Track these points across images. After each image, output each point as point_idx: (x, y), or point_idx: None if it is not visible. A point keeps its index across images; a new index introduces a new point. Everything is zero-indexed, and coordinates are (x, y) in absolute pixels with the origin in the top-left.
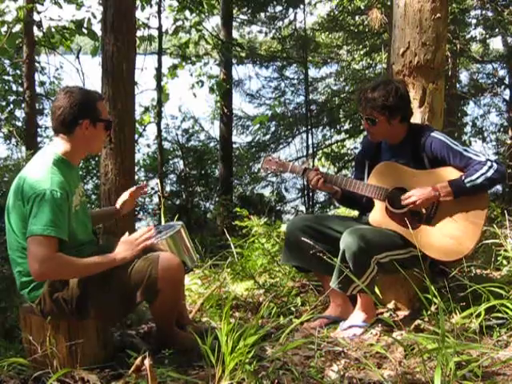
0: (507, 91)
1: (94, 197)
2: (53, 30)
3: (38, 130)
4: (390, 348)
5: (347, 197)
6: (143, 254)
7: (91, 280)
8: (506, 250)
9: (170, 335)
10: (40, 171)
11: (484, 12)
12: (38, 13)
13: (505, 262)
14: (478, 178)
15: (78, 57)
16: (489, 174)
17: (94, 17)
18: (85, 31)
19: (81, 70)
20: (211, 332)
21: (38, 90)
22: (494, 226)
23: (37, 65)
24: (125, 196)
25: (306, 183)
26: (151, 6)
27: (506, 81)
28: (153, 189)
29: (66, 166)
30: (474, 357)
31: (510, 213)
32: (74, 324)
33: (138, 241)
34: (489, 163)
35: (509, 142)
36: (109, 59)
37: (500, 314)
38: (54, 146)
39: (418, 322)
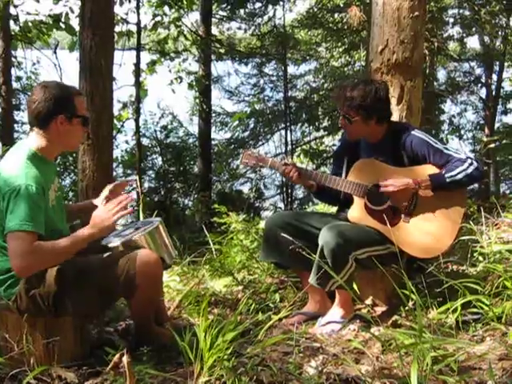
0: (484, 89)
1: (71, 193)
2: (30, 24)
3: (15, 125)
4: (368, 343)
5: (323, 192)
6: (122, 252)
7: (68, 276)
8: (481, 247)
9: (148, 332)
10: (14, 166)
11: (461, 11)
12: (15, 6)
13: (481, 258)
14: (458, 173)
15: (55, 51)
16: (469, 170)
17: (72, 11)
18: (62, 26)
19: (58, 65)
20: (190, 329)
21: (15, 85)
22: (471, 222)
23: (13, 59)
24: (105, 192)
25: (284, 180)
26: (130, 1)
27: (483, 79)
28: (131, 185)
29: (40, 162)
30: (450, 352)
31: (485, 209)
32: (51, 321)
33: (115, 210)
34: (469, 160)
35: (485, 139)
36: (87, 54)
37: (476, 310)
38: (29, 141)
39: (395, 317)
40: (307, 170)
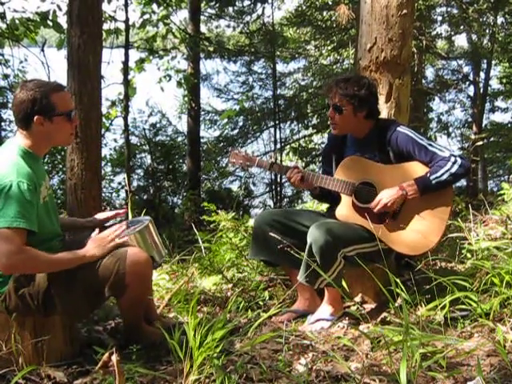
0: (471, 87)
1: (59, 192)
2: (17, 21)
3: (2, 123)
4: (357, 341)
5: (325, 193)
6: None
7: (58, 275)
8: (469, 244)
9: (137, 331)
10: (5, 163)
11: (449, 9)
12: (2, 4)
13: (469, 255)
14: (442, 174)
15: (42, 49)
16: (453, 169)
17: (60, 9)
18: (50, 23)
19: (46, 63)
20: (179, 327)
21: (2, 83)
22: (459, 219)
23: (0, 57)
24: (108, 214)
25: (273, 178)
26: None
27: (471, 77)
28: (120, 184)
29: (31, 158)
30: (439, 348)
31: (473, 207)
32: (40, 321)
33: (110, 238)
34: (452, 159)
35: (473, 137)
36: (75, 52)
37: (464, 306)
38: (17, 139)
39: (384, 314)
40: (304, 172)
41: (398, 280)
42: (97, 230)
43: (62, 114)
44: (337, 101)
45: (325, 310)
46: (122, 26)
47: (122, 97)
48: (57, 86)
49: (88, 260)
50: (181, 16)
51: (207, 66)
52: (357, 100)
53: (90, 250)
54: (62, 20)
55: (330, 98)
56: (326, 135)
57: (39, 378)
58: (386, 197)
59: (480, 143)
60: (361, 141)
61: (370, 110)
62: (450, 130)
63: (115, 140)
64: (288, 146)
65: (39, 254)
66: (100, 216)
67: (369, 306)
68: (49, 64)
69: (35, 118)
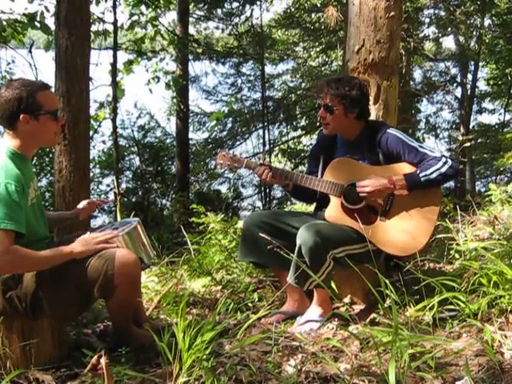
0: (459, 89)
1: (48, 194)
2: (4, 23)
3: None
4: (346, 342)
5: (298, 190)
6: (99, 252)
7: (46, 278)
8: (457, 244)
9: (126, 333)
10: None
11: (437, 11)
12: None
13: (457, 255)
14: (432, 172)
15: (30, 51)
16: (443, 169)
17: (48, 10)
18: (38, 25)
19: (34, 65)
20: (168, 329)
21: None
22: (447, 220)
23: None
24: (83, 203)
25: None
26: (106, 0)
27: (458, 79)
28: (108, 186)
29: (19, 159)
30: (428, 348)
31: (461, 208)
32: (28, 324)
33: (100, 239)
34: (443, 159)
35: (460, 138)
36: (62, 54)
37: (452, 306)
38: (5, 141)
39: (373, 315)
40: (283, 170)
41: (387, 281)
42: (88, 232)
43: (48, 112)
44: (328, 101)
45: (314, 311)
46: (110, 27)
47: (110, 99)
48: (42, 84)
49: (76, 256)
50: (169, 18)
51: (196, 67)
52: (348, 100)
53: (78, 247)
54: (50, 21)
55: (321, 98)
56: (314, 136)
57: (27, 381)
58: (372, 183)
59: (467, 144)
60: (351, 142)
61: (360, 110)
62: (438, 131)
63: (104, 142)
64: (277, 148)
65: (27, 252)
66: (85, 202)
67: (358, 307)
68: (36, 66)
69: (21, 116)
